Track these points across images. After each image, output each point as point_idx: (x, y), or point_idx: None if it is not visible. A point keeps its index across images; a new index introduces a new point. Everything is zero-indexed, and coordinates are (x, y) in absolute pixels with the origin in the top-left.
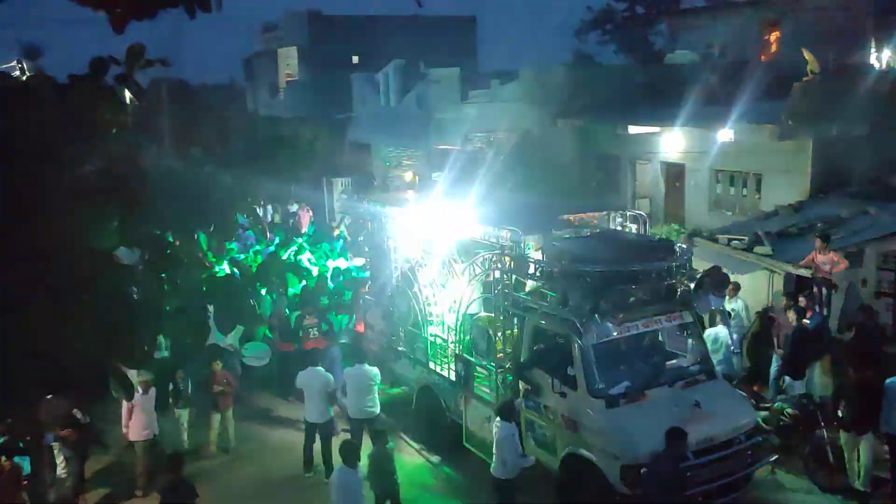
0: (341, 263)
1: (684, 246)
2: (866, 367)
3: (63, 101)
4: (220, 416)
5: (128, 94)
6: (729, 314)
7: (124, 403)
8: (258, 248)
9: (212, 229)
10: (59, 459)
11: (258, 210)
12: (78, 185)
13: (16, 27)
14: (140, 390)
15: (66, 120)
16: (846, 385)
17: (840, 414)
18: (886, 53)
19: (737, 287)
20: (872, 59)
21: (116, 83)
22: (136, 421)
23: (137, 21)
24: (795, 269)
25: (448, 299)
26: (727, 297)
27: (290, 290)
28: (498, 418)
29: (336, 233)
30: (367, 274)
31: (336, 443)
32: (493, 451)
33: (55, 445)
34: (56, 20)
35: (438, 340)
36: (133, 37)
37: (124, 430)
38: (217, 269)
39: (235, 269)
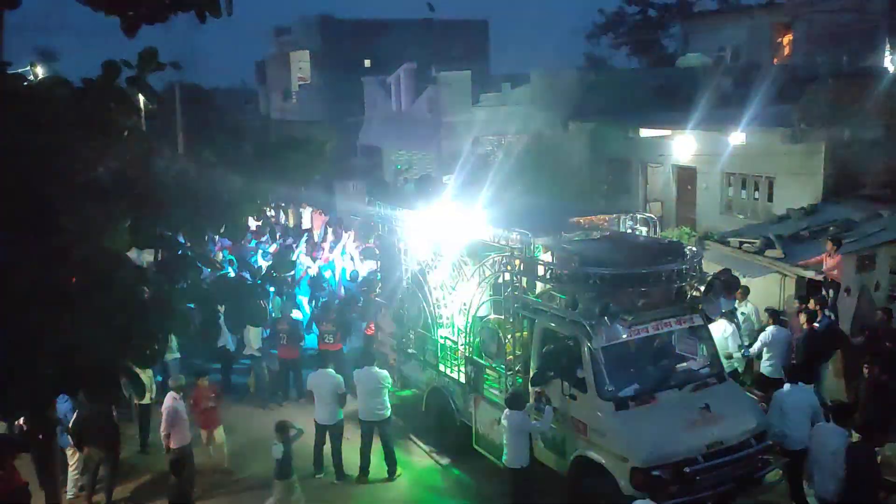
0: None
1: (695, 249)
2: (880, 371)
3: (77, 103)
4: (208, 433)
5: (141, 98)
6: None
7: (165, 410)
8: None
9: (222, 231)
10: (73, 461)
11: (270, 212)
12: (91, 187)
13: (30, 31)
14: (177, 395)
15: (79, 122)
16: (859, 388)
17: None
18: None
19: (746, 291)
20: (886, 62)
21: (129, 86)
22: (180, 427)
23: (149, 26)
24: (806, 271)
25: (458, 301)
26: (737, 301)
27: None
28: (507, 409)
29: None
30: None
31: (345, 445)
32: (505, 442)
33: (69, 449)
34: (70, 25)
35: (448, 343)
36: (147, 42)
37: (163, 438)
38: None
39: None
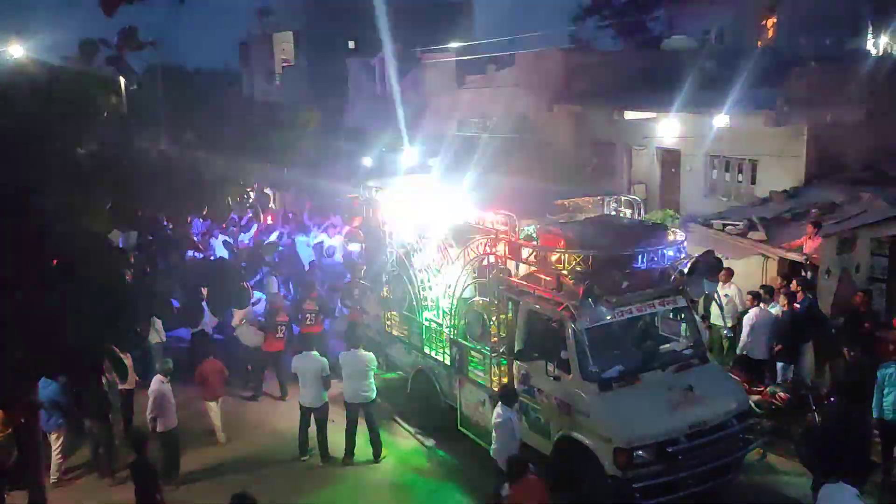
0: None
1: (678, 231)
2: (860, 352)
3: (53, 83)
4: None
5: (122, 80)
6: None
7: (152, 394)
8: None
9: (205, 212)
10: (56, 445)
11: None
12: (70, 168)
13: (5, 10)
14: (164, 378)
15: (56, 102)
16: (837, 369)
17: (831, 398)
18: (883, 39)
19: (730, 273)
20: (869, 45)
21: (107, 66)
22: (167, 411)
23: (128, 4)
24: (787, 253)
25: (443, 284)
26: (720, 283)
27: None
28: (499, 403)
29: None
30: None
31: (331, 428)
32: (493, 434)
33: (53, 434)
34: (46, 4)
35: (433, 325)
36: (128, 24)
37: (149, 421)
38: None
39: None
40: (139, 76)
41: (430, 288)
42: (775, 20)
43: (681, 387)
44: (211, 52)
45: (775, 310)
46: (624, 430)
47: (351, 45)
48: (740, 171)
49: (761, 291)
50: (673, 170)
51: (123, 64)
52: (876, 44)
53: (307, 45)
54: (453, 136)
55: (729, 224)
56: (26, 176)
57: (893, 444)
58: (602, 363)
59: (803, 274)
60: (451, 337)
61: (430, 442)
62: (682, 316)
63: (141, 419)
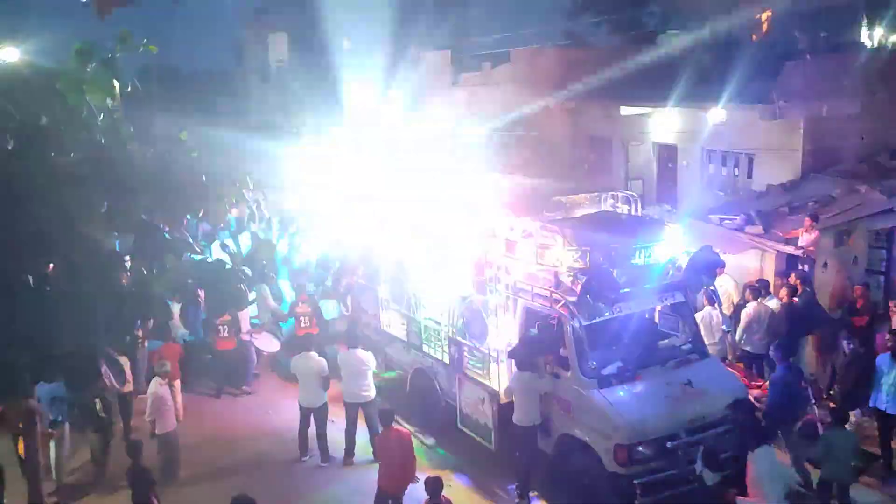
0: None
1: (676, 226)
2: (858, 344)
3: (50, 87)
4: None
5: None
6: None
7: (150, 396)
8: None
9: (200, 215)
10: (52, 445)
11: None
12: (66, 171)
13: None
14: (163, 381)
15: (52, 106)
16: (835, 361)
17: (831, 391)
18: (878, 31)
19: (723, 265)
20: (864, 38)
21: (103, 69)
22: (164, 414)
23: (122, 7)
24: (784, 247)
25: (441, 282)
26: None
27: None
28: (516, 370)
29: None
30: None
31: (331, 428)
32: (514, 400)
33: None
34: (42, 7)
35: (432, 324)
36: (126, 26)
37: (149, 423)
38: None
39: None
40: (134, 78)
41: (429, 286)
42: (770, 14)
43: (680, 382)
44: (206, 54)
45: (773, 304)
46: (624, 426)
47: (345, 43)
48: (737, 166)
49: (758, 285)
50: (670, 165)
51: (118, 67)
52: (871, 36)
53: (301, 44)
54: (449, 134)
55: (726, 218)
56: (23, 180)
57: (891, 436)
58: (601, 360)
59: (800, 267)
60: (450, 335)
61: (429, 440)
62: (681, 311)
63: (139, 422)
